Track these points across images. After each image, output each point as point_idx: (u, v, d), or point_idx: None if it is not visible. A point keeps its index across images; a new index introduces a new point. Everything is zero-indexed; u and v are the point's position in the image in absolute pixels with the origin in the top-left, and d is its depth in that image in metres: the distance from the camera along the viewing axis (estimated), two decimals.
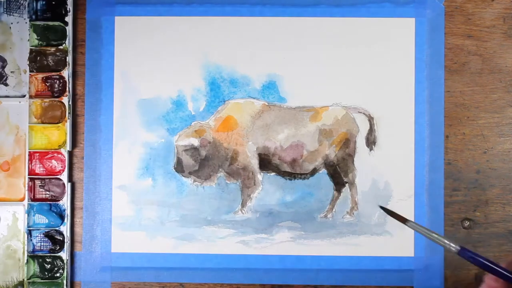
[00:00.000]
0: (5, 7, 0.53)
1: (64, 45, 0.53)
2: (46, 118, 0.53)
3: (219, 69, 0.53)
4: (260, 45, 0.53)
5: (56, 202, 0.53)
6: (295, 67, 0.53)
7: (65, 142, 0.53)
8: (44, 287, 0.52)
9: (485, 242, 0.53)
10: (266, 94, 0.53)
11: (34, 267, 0.52)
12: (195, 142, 0.53)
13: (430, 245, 0.52)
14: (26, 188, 0.53)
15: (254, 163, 0.53)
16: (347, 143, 0.53)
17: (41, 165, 0.53)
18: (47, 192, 0.53)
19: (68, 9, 0.53)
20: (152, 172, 0.53)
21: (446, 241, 0.37)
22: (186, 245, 0.53)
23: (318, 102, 0.53)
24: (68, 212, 0.52)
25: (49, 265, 0.53)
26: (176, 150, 0.53)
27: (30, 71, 0.53)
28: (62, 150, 0.53)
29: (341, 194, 0.53)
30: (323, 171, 0.53)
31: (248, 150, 0.53)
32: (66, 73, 0.53)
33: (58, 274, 0.52)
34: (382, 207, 0.43)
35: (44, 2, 0.53)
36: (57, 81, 0.53)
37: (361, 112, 0.53)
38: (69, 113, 0.53)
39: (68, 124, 0.53)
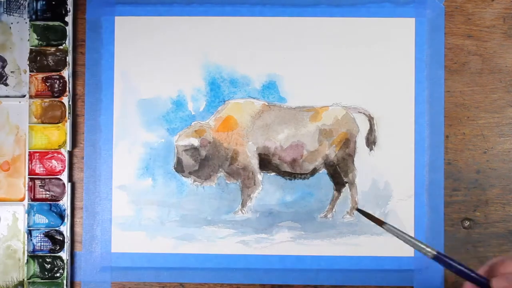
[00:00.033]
0: (5, 7, 0.53)
1: (64, 45, 0.53)
2: (46, 118, 0.53)
3: (219, 69, 0.53)
4: (260, 45, 0.53)
5: (56, 202, 0.53)
6: (295, 67, 0.53)
7: (65, 142, 0.53)
8: (44, 287, 0.52)
9: (485, 242, 0.53)
10: (266, 94, 0.53)
11: (34, 267, 0.53)
12: (195, 142, 0.53)
13: (430, 245, 0.52)
14: (26, 188, 0.53)
15: (254, 163, 0.53)
16: (347, 143, 0.53)
17: (41, 165, 0.53)
18: (47, 192, 0.53)
19: (68, 9, 0.53)
20: (152, 172, 0.53)
21: (422, 246, 0.37)
22: (186, 245, 0.53)
23: (318, 102, 0.53)
24: (68, 212, 0.52)
25: (49, 265, 0.53)
26: (176, 150, 0.53)
27: (30, 71, 0.53)
28: (62, 150, 0.53)
29: (341, 194, 0.53)
30: (323, 171, 0.53)
31: (248, 150, 0.53)
32: (66, 73, 0.53)
33: (58, 274, 0.52)
34: (358, 210, 0.44)
35: (44, 2, 0.53)
36: (57, 81, 0.53)
37: (361, 112, 0.53)
38: (69, 113, 0.53)
39: (68, 124, 0.53)
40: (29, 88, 0.53)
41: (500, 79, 0.53)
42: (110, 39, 0.53)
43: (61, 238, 0.53)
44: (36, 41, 0.53)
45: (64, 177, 0.53)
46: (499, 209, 0.53)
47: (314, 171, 0.53)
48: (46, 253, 0.52)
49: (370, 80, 0.53)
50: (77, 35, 0.54)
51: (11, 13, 0.53)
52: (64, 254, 0.52)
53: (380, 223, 0.40)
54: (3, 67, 0.54)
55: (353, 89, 0.53)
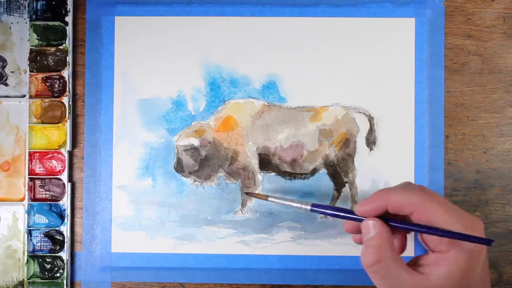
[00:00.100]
0: (5, 7, 0.53)
1: (64, 45, 0.53)
2: (46, 118, 0.53)
3: (219, 69, 0.53)
4: (260, 45, 0.53)
5: (56, 202, 0.53)
6: (295, 67, 0.53)
7: (65, 142, 0.53)
8: (44, 287, 0.52)
9: None
10: (266, 94, 0.53)
11: (34, 267, 0.53)
12: (195, 142, 0.53)
13: None
14: (26, 188, 0.53)
15: (254, 163, 0.53)
16: (347, 143, 0.53)
17: (41, 165, 0.53)
18: (47, 192, 0.53)
19: (68, 9, 0.53)
20: (152, 172, 0.53)
21: (297, 205, 0.43)
22: (186, 245, 0.53)
23: (318, 102, 0.53)
24: (68, 212, 0.52)
25: (49, 265, 0.53)
26: (176, 150, 0.53)
27: (30, 71, 0.53)
28: (62, 150, 0.53)
29: (341, 194, 0.53)
30: (323, 171, 0.53)
31: (248, 150, 0.53)
32: (66, 73, 0.53)
33: (58, 274, 0.52)
34: (246, 193, 0.51)
35: (44, 2, 0.53)
36: (57, 81, 0.53)
37: (361, 112, 0.53)
38: (69, 113, 0.53)
39: (68, 124, 0.53)
40: (29, 88, 0.53)
41: (500, 79, 0.53)
42: (110, 39, 0.53)
43: (61, 238, 0.53)
44: (36, 41, 0.53)
45: (64, 177, 0.53)
46: (499, 209, 0.53)
47: (314, 171, 0.53)
48: (46, 253, 0.52)
49: (370, 80, 0.53)
50: (77, 35, 0.54)
51: (11, 13, 0.54)
52: (64, 254, 0.52)
53: (265, 198, 0.46)
54: (3, 67, 0.54)
55: (353, 89, 0.53)
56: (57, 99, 0.53)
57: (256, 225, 0.53)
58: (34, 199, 0.53)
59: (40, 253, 0.53)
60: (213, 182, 0.53)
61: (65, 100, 0.53)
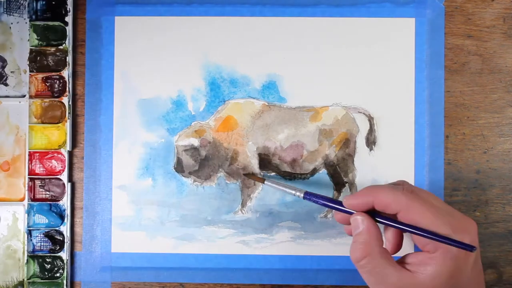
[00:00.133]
0: (5, 7, 0.53)
1: (64, 45, 0.53)
2: (46, 118, 0.53)
3: (219, 69, 0.53)
4: (260, 45, 0.53)
5: (56, 202, 0.53)
6: (295, 67, 0.53)
7: (65, 142, 0.53)
8: (44, 287, 0.52)
9: (485, 242, 0.53)
10: (266, 94, 0.53)
11: (34, 267, 0.53)
12: (195, 142, 0.53)
13: None
14: (26, 188, 0.53)
15: (254, 163, 0.53)
16: (347, 143, 0.53)
17: (41, 165, 0.53)
18: (47, 192, 0.53)
19: (68, 9, 0.53)
20: (152, 172, 0.53)
21: (291, 191, 0.45)
22: (186, 245, 0.53)
23: (318, 102, 0.53)
24: (68, 212, 0.53)
25: (49, 265, 0.53)
26: (176, 150, 0.53)
27: (30, 71, 0.53)
28: (62, 150, 0.53)
29: (341, 194, 0.53)
30: (323, 171, 0.53)
31: (248, 150, 0.53)
32: (66, 73, 0.53)
33: (58, 274, 0.52)
34: (245, 174, 0.52)
35: (44, 2, 0.53)
36: (57, 81, 0.53)
37: (361, 112, 0.53)
38: (69, 113, 0.53)
39: (68, 124, 0.53)
40: (29, 88, 0.53)
41: (500, 79, 0.53)
42: (110, 39, 0.53)
43: (61, 238, 0.53)
44: (36, 41, 0.53)
45: (64, 177, 0.53)
46: (499, 209, 0.53)
47: (314, 171, 0.53)
48: (46, 253, 0.52)
49: (370, 80, 0.53)
50: (77, 35, 0.54)
51: (11, 13, 0.53)
52: (64, 254, 0.52)
53: (262, 180, 0.49)
54: (3, 67, 0.54)
55: (353, 89, 0.53)
56: (57, 99, 0.53)
57: (256, 225, 0.53)
58: (34, 199, 0.53)
59: (40, 253, 0.53)
60: (213, 182, 0.53)
61: (65, 100, 0.53)
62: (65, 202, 0.53)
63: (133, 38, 0.53)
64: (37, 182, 0.53)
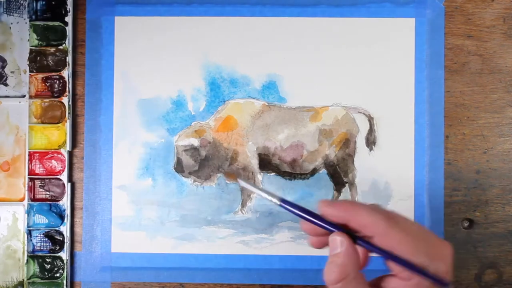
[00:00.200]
0: (5, 7, 0.53)
1: (64, 45, 0.53)
2: (46, 118, 0.53)
3: (219, 69, 0.53)
4: (260, 45, 0.53)
5: (56, 202, 0.53)
6: (295, 67, 0.53)
7: (65, 142, 0.53)
8: (44, 287, 0.52)
9: (485, 242, 0.53)
10: (266, 94, 0.53)
11: (34, 267, 0.52)
12: (195, 142, 0.53)
13: None
14: (26, 188, 0.53)
15: (254, 163, 0.53)
16: (347, 143, 0.53)
17: (41, 165, 0.53)
18: (47, 192, 0.53)
19: (68, 9, 0.53)
20: (152, 172, 0.53)
21: (267, 196, 0.39)
22: (186, 245, 0.53)
23: (318, 102, 0.53)
24: (68, 212, 0.52)
25: (49, 265, 0.53)
26: (176, 150, 0.53)
27: (30, 71, 0.53)
28: (62, 150, 0.53)
29: (341, 194, 0.53)
30: (323, 171, 0.53)
31: (248, 150, 0.53)
32: (66, 73, 0.53)
33: (58, 274, 0.52)
34: (225, 172, 0.51)
35: (44, 2, 0.53)
36: (57, 81, 0.53)
37: (361, 112, 0.53)
38: (69, 113, 0.53)
39: (68, 124, 0.53)
40: (29, 88, 0.53)
41: (500, 79, 0.53)
42: (110, 39, 0.53)
43: (61, 238, 0.53)
44: (36, 41, 0.53)
45: (64, 177, 0.53)
46: (499, 209, 0.53)
47: (314, 171, 0.53)
48: (46, 253, 0.52)
49: (370, 80, 0.53)
50: (77, 35, 0.54)
51: (11, 13, 0.53)
52: (64, 254, 0.52)
53: (235, 179, 0.46)
54: (3, 67, 0.54)
55: (353, 89, 0.53)
56: (57, 99, 0.53)
57: (256, 225, 0.53)
58: (34, 199, 0.53)
59: (40, 253, 0.52)
60: (213, 182, 0.53)
61: (65, 100, 0.53)
62: (65, 202, 0.53)
63: (133, 38, 0.53)
64: (37, 182, 0.53)
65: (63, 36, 0.53)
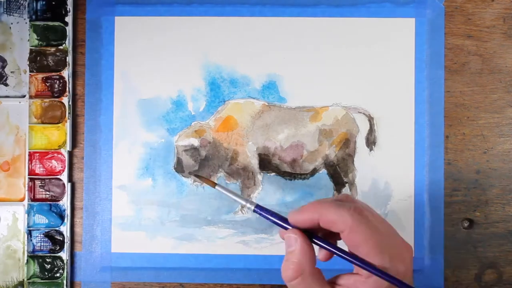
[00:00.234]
0: (5, 7, 0.53)
1: (64, 45, 0.53)
2: (46, 118, 0.53)
3: (219, 69, 0.53)
4: (260, 45, 0.53)
5: (56, 202, 0.53)
6: (295, 67, 0.53)
7: (65, 142, 0.53)
8: (44, 287, 0.52)
9: (485, 242, 0.53)
10: (266, 94, 0.53)
11: (34, 267, 0.53)
12: (195, 142, 0.53)
13: (430, 245, 0.52)
14: (26, 188, 0.53)
15: (254, 163, 0.53)
16: (347, 143, 0.53)
17: (41, 165, 0.53)
18: (47, 192, 0.53)
19: (68, 9, 0.53)
20: (152, 172, 0.53)
21: (242, 202, 0.40)
22: (186, 245, 0.53)
23: (318, 102, 0.53)
24: (68, 212, 0.52)
25: (49, 265, 0.53)
26: (176, 150, 0.53)
27: (30, 71, 0.53)
28: (62, 150, 0.53)
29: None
30: (323, 171, 0.53)
31: (248, 150, 0.53)
32: (66, 73, 0.53)
33: (58, 274, 0.52)
34: (195, 175, 0.51)
35: (44, 2, 0.53)
36: (57, 81, 0.53)
37: (361, 112, 0.53)
38: (69, 113, 0.53)
39: (68, 124, 0.53)
40: (29, 88, 0.53)
41: (500, 79, 0.53)
42: (110, 39, 0.53)
43: (61, 238, 0.53)
44: (36, 41, 0.53)
45: (64, 177, 0.53)
46: (499, 209, 0.53)
47: (314, 171, 0.53)
48: (46, 253, 0.52)
49: (370, 80, 0.53)
50: (77, 35, 0.54)
51: (11, 13, 0.53)
52: (64, 254, 0.52)
53: (213, 184, 0.44)
54: (3, 67, 0.54)
55: (353, 89, 0.53)
56: (57, 99, 0.53)
57: (256, 225, 0.53)
58: (34, 199, 0.53)
59: (40, 253, 0.53)
60: None
61: (65, 100, 0.53)
62: (65, 202, 0.53)
63: (133, 38, 0.53)
64: (37, 182, 0.53)
65: (63, 36, 0.53)
